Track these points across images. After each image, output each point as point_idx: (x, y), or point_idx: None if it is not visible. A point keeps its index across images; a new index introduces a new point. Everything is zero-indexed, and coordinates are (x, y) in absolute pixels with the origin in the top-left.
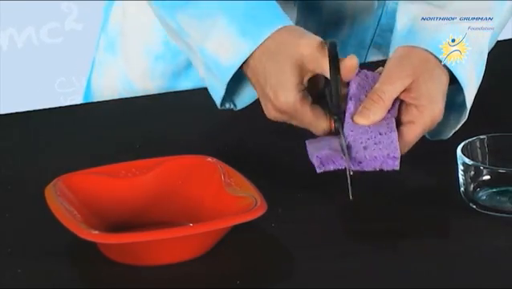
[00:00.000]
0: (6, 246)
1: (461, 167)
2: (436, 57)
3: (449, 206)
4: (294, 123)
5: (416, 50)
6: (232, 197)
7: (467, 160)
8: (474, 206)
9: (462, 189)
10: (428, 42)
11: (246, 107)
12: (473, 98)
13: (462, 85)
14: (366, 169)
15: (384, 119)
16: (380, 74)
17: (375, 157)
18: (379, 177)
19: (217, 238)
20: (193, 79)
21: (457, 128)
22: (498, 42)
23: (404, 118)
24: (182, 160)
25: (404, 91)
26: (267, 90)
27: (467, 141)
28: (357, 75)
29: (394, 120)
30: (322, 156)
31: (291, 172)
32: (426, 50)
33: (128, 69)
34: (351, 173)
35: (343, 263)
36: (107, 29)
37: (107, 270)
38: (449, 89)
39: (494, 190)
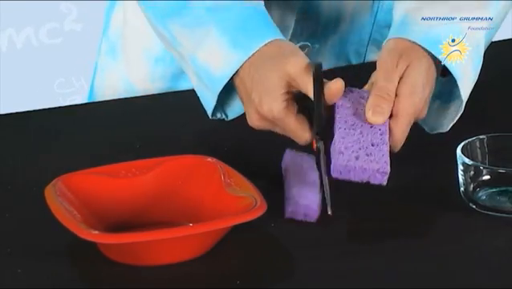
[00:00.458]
0: (6, 246)
1: (460, 167)
2: (423, 48)
3: (448, 206)
4: (277, 131)
5: (405, 40)
6: (232, 197)
7: (467, 160)
8: (474, 206)
9: (462, 189)
10: (416, 34)
11: None
12: (469, 91)
13: (456, 77)
14: (353, 180)
15: (379, 127)
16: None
17: (365, 169)
18: None
19: (217, 238)
20: None
21: (454, 121)
22: (498, 42)
23: None
24: (182, 160)
25: None
26: (253, 96)
27: (467, 141)
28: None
29: (388, 133)
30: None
31: None
32: (414, 42)
33: (129, 72)
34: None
35: (343, 263)
36: (108, 33)
37: (107, 270)
38: (446, 80)
39: (494, 190)
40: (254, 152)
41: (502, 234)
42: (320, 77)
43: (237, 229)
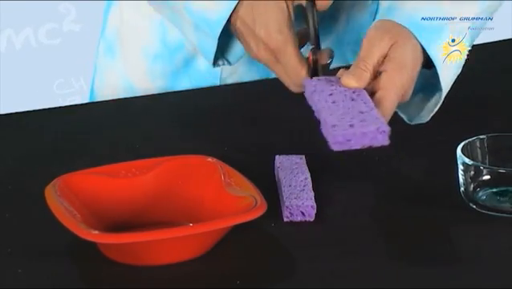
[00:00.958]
0: (6, 246)
1: (461, 167)
2: (410, 32)
3: (449, 206)
4: (276, 70)
5: (392, 21)
6: (232, 197)
7: (467, 160)
8: (474, 206)
9: (462, 189)
10: (400, 17)
11: (246, 108)
12: (450, 82)
13: (435, 64)
14: (354, 147)
15: (360, 98)
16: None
17: (365, 133)
18: (379, 176)
19: (217, 238)
20: (192, 77)
21: (433, 112)
22: (498, 42)
23: (375, 86)
24: (182, 160)
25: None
26: (257, 31)
27: (467, 141)
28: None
29: (371, 100)
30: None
31: None
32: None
33: (128, 71)
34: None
35: (343, 263)
36: (105, 33)
37: (107, 270)
38: (430, 74)
39: (494, 190)
40: (254, 153)
41: (502, 233)
42: None
43: (237, 230)
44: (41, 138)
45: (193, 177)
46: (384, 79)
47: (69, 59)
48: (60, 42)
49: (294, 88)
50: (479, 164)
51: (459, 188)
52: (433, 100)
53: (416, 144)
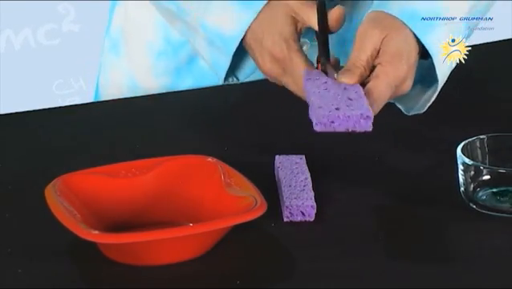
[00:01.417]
0: (6, 246)
1: (461, 167)
2: (403, 22)
3: (448, 206)
4: (284, 80)
5: (384, 12)
6: (232, 197)
7: (467, 160)
8: (474, 206)
9: (462, 189)
10: (392, 8)
11: (246, 107)
12: (446, 72)
13: (431, 53)
14: (337, 130)
15: (352, 88)
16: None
17: (349, 117)
18: (379, 176)
19: (217, 238)
20: (195, 75)
21: (431, 102)
22: (498, 42)
23: (369, 79)
24: (182, 160)
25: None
26: (264, 41)
27: (467, 141)
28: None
29: (362, 89)
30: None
31: None
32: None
33: (132, 68)
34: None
35: (343, 263)
36: (110, 30)
37: (107, 270)
38: (426, 62)
39: (494, 190)
40: (254, 152)
41: (502, 233)
42: (323, 7)
43: (237, 230)
44: (41, 138)
45: (193, 177)
46: (376, 71)
47: (68, 60)
48: (59, 42)
49: (303, 95)
50: (479, 164)
51: (459, 188)
52: (430, 91)
53: (416, 144)
